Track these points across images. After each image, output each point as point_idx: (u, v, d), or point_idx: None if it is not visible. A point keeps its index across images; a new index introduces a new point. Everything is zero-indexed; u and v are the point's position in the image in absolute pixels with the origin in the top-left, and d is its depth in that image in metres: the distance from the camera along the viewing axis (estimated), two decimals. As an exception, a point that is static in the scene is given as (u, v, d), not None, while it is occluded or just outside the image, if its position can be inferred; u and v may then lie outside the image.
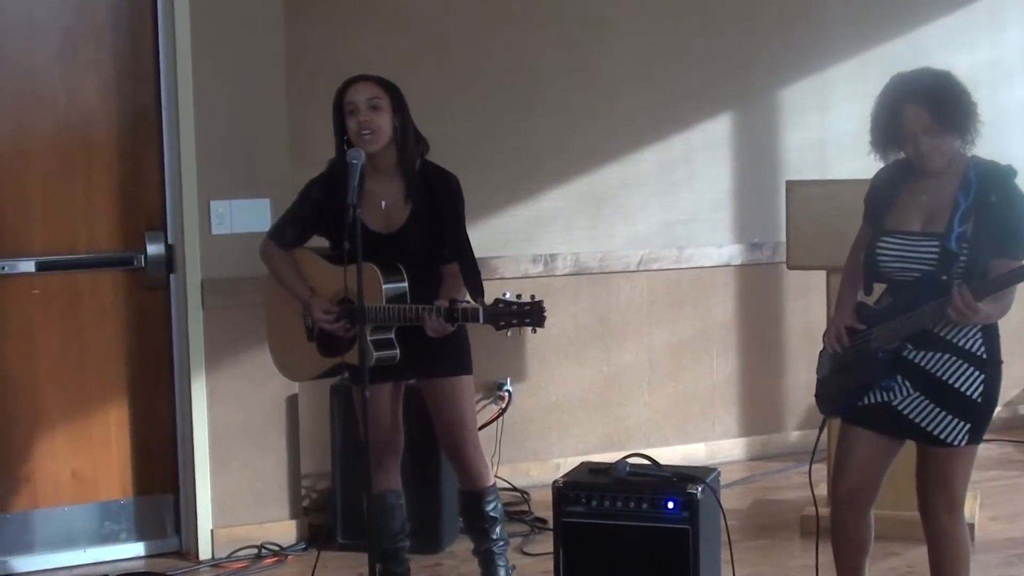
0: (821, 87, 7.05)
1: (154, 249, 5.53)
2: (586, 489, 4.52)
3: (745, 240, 6.95)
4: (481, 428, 6.05)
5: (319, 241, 4.82)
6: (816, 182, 6.03)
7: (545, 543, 5.38)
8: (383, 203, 4.64)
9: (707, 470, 4.69)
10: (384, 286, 4.49)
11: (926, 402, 3.96)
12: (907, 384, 3.98)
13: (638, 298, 6.79)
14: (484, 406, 6.38)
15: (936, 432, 3.96)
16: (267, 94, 5.58)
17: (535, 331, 4.30)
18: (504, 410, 6.41)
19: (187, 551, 5.63)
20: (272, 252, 4.79)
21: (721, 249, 6.92)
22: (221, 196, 5.51)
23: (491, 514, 4.86)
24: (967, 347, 3.93)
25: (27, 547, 5.47)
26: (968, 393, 3.93)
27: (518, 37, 6.47)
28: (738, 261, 6.94)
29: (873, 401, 4.03)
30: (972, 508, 5.74)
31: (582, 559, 4.51)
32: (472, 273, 4.52)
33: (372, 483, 4.62)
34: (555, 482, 4.58)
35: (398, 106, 4.63)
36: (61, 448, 5.48)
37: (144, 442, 5.61)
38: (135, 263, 5.53)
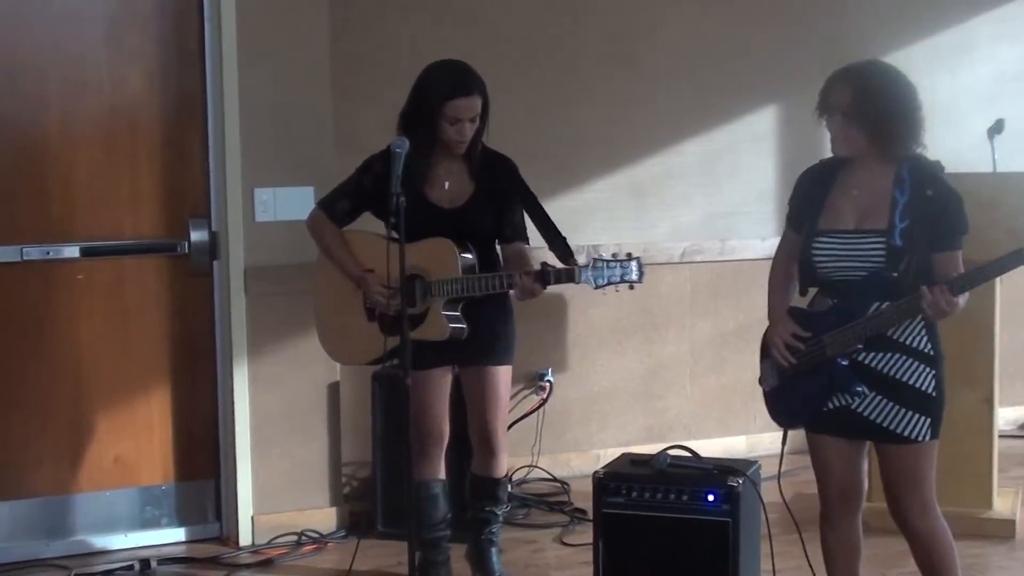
0: (867, 79, 6.99)
1: (198, 236, 5.55)
2: (626, 480, 4.51)
3: (789, 233, 6.90)
4: (522, 418, 6.09)
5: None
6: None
7: (584, 534, 5.38)
8: (447, 184, 4.69)
9: (748, 463, 4.68)
10: (460, 260, 4.55)
11: (885, 402, 3.94)
12: (863, 391, 3.97)
13: (680, 290, 6.77)
14: (525, 396, 6.38)
15: (899, 430, 3.94)
16: (312, 82, 5.59)
17: (632, 287, 4.36)
18: (545, 400, 6.40)
19: (227, 537, 5.65)
20: (322, 223, 4.80)
21: (764, 242, 6.87)
22: (265, 183, 5.53)
23: (503, 499, 4.96)
24: (915, 345, 3.94)
25: (69, 531, 5.50)
26: (924, 389, 3.94)
27: (564, 28, 6.46)
28: (781, 254, 6.90)
29: (834, 406, 4.01)
30: (1013, 504, 5.71)
31: (622, 550, 4.51)
32: (558, 239, 4.64)
33: (416, 471, 4.67)
34: (595, 473, 4.57)
35: (484, 115, 4.71)
36: (104, 433, 5.51)
37: (186, 428, 5.64)
38: (179, 250, 5.55)
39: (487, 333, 4.68)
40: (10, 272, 5.35)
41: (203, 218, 5.57)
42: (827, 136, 6.96)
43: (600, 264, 4.33)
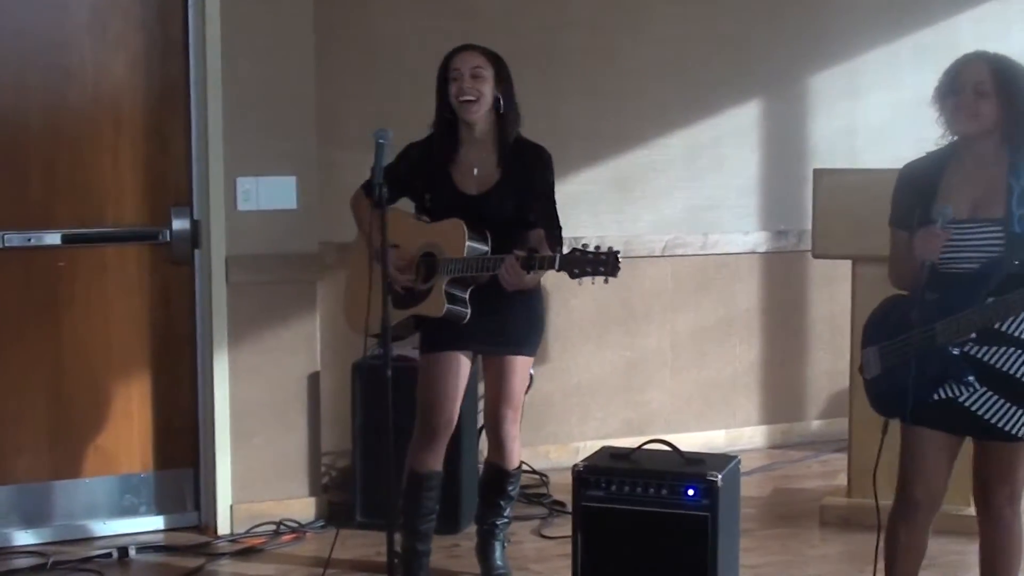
0: (851, 75, 7.02)
1: (180, 224, 5.53)
2: (606, 474, 4.51)
3: (771, 228, 6.93)
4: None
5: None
6: (844, 171, 5.99)
7: (563, 526, 5.38)
8: (475, 170, 4.72)
9: (727, 458, 4.68)
10: (467, 243, 4.56)
11: (995, 397, 3.87)
12: (974, 381, 3.89)
13: (662, 283, 6.78)
14: (505, 388, 6.38)
15: (1004, 426, 3.89)
16: (295, 72, 5.57)
17: (607, 281, 4.35)
18: (526, 392, 6.39)
19: (206, 526, 5.64)
20: (359, 200, 4.83)
21: (747, 236, 6.90)
22: (247, 173, 5.52)
23: (511, 493, 4.97)
24: None
25: (47, 518, 5.49)
26: None
27: (548, 20, 6.45)
28: (763, 248, 6.93)
29: (940, 398, 3.92)
30: None
31: (600, 544, 4.51)
32: (555, 230, 4.65)
33: (416, 460, 4.79)
34: (575, 466, 4.57)
35: (500, 77, 4.74)
36: (83, 420, 5.50)
37: (165, 416, 5.63)
38: (160, 238, 5.54)
39: (506, 321, 4.71)
40: (-10, 258, 5.35)
41: (185, 207, 5.55)
42: (810, 130, 7.06)
43: (578, 254, 4.34)
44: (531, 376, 6.39)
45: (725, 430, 6.92)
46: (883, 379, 4.04)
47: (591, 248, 4.34)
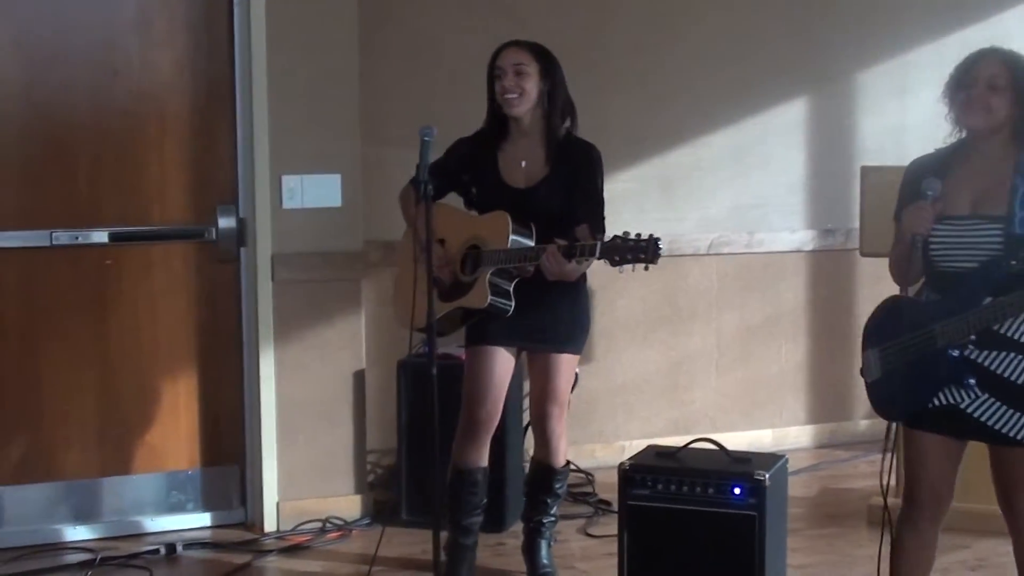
0: (900, 72, 6.96)
1: (225, 223, 5.55)
2: (652, 472, 4.49)
3: (818, 226, 6.88)
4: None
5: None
6: (892, 168, 5.89)
7: (609, 525, 5.37)
8: (523, 163, 4.73)
9: (775, 457, 4.65)
10: (511, 236, 4.56)
11: (996, 403, 3.80)
12: (975, 385, 3.83)
13: (707, 282, 6.75)
14: (551, 386, 6.37)
15: (1009, 432, 3.81)
16: (340, 70, 5.58)
17: (647, 268, 4.32)
18: (571, 390, 6.38)
19: (252, 523, 5.66)
20: (407, 195, 4.81)
21: (793, 234, 6.86)
22: (292, 171, 5.53)
23: (557, 492, 4.96)
24: None
25: (95, 514, 5.53)
26: None
27: (593, 19, 6.44)
28: (810, 247, 6.88)
29: (940, 404, 3.86)
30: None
31: (646, 542, 4.49)
32: (598, 223, 4.64)
33: (460, 455, 4.78)
34: (621, 464, 4.55)
35: (547, 72, 4.75)
36: (130, 417, 5.53)
37: (212, 414, 5.65)
38: (206, 236, 5.56)
39: (552, 319, 4.72)
40: (39, 256, 5.37)
41: (231, 205, 5.57)
42: (858, 128, 7.00)
43: (619, 241, 4.31)
44: (576, 374, 6.40)
45: (771, 429, 6.88)
46: (884, 382, 3.99)
47: (632, 236, 4.31)
